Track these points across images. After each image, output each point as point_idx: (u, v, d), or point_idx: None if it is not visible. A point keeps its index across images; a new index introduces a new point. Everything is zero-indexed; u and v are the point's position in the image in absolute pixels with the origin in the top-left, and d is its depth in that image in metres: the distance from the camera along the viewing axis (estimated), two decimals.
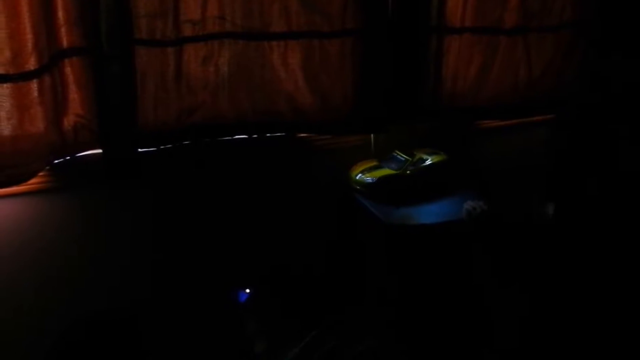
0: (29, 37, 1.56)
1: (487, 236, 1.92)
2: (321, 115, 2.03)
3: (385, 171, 2.09)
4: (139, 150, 1.86)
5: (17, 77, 1.58)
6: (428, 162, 2.12)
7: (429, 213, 2.00)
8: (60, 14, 1.63)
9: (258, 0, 1.85)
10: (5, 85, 1.56)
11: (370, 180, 2.06)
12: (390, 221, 1.94)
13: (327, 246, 2.08)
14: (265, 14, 1.87)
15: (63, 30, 1.65)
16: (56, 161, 1.77)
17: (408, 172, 2.09)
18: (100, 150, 1.82)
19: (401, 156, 2.14)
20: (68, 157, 1.80)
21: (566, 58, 2.29)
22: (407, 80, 2.11)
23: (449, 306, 1.99)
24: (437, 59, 2.14)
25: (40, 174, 1.75)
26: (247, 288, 1.92)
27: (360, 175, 2.09)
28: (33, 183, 1.74)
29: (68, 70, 1.69)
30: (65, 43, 1.66)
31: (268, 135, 2.02)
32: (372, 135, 2.19)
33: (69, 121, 1.74)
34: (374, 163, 2.13)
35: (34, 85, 1.61)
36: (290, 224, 2.11)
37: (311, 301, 1.79)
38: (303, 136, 2.13)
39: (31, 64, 1.58)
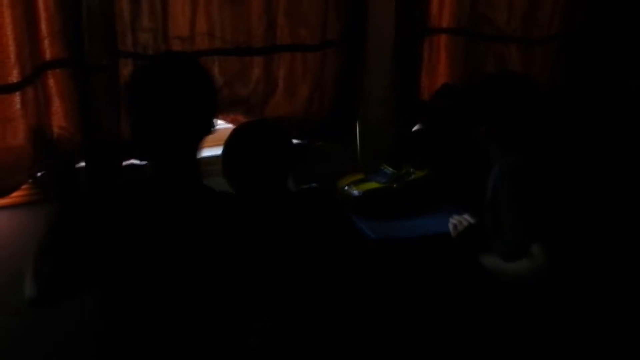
0: (11, 49, 1.56)
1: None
2: (303, 122, 2.06)
3: (372, 184, 2.08)
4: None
5: None
6: (415, 175, 2.12)
7: (415, 227, 2.00)
8: (44, 26, 1.63)
9: (246, 16, 1.86)
10: None
11: (356, 193, 2.05)
12: (376, 234, 1.93)
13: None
14: (253, 29, 1.88)
15: (46, 42, 1.65)
16: (39, 174, 1.76)
17: (395, 185, 2.09)
18: (83, 163, 1.80)
19: (388, 169, 2.13)
20: (51, 170, 1.78)
21: (554, 68, 2.32)
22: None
23: (433, 319, 1.99)
24: (426, 65, 2.18)
25: (23, 186, 1.73)
26: None
27: (346, 187, 2.08)
28: (15, 196, 1.73)
29: (51, 82, 1.68)
30: (48, 55, 1.66)
31: None
32: (358, 147, 2.17)
33: (52, 133, 1.73)
34: (361, 176, 2.13)
35: (16, 97, 1.61)
36: None
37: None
38: None
39: (14, 76, 1.58)
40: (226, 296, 1.45)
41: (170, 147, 1.32)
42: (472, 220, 1.92)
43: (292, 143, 1.75)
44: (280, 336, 1.68)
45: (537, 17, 2.22)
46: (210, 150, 1.91)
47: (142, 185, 1.37)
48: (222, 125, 1.96)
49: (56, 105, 1.71)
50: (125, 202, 1.33)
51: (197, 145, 1.36)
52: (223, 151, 1.69)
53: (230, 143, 1.68)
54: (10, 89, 1.58)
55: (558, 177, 1.77)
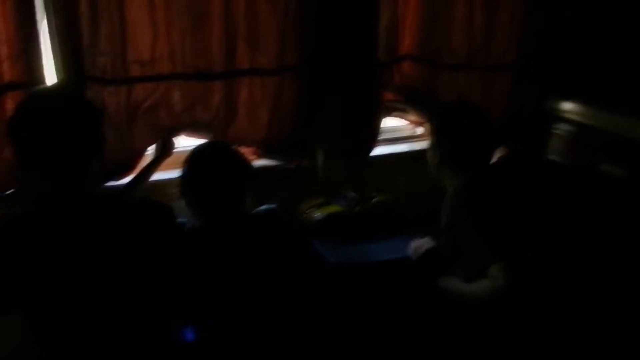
0: None
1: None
2: (265, 144, 2.09)
3: (334, 208, 2.10)
4: None
5: None
6: (376, 199, 2.15)
7: (376, 251, 2.02)
8: (3, 49, 1.64)
9: (206, 42, 1.88)
10: None
11: (317, 217, 2.07)
12: (336, 258, 1.94)
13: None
14: (214, 54, 1.91)
15: (5, 65, 1.66)
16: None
17: (356, 209, 2.11)
18: None
19: (350, 193, 2.16)
20: (12, 190, 1.78)
21: (509, 97, 2.38)
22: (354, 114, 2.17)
23: (397, 343, 1.99)
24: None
25: None
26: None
27: (308, 211, 2.10)
28: None
29: (9, 104, 1.69)
30: (7, 77, 1.67)
31: None
32: (319, 170, 2.20)
33: (12, 155, 1.72)
34: (322, 200, 2.15)
35: None
36: None
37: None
38: None
39: None
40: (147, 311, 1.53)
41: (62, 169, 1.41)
42: (431, 244, 1.95)
43: (246, 164, 1.77)
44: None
45: (493, 46, 2.29)
46: (170, 173, 1.95)
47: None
48: (182, 147, 2.00)
49: None
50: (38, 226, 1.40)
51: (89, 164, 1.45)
52: (180, 174, 1.71)
53: (185, 166, 1.70)
54: None
55: (511, 198, 1.81)
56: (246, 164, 1.78)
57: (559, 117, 2.33)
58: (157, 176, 1.96)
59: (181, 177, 1.70)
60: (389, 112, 2.28)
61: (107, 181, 1.86)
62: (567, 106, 2.31)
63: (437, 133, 1.93)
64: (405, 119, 2.33)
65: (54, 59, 1.74)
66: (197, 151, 1.74)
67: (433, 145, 1.93)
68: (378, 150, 2.30)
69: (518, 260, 1.68)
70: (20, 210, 1.47)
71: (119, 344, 1.49)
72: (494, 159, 1.97)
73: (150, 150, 1.97)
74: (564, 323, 1.79)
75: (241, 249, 1.69)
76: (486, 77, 2.32)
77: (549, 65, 2.32)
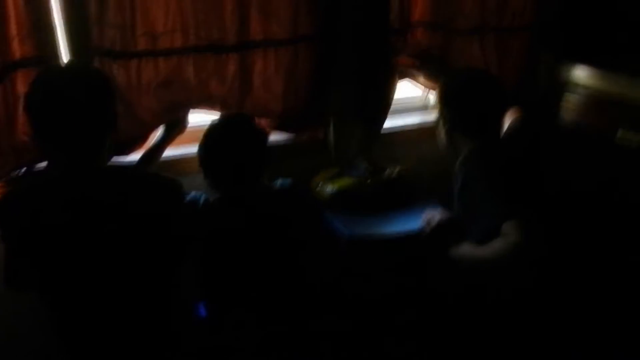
0: None
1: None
2: (280, 116, 2.07)
3: (346, 179, 2.09)
4: None
5: None
6: (389, 171, 2.13)
7: (389, 223, 2.01)
8: (13, 26, 1.61)
9: (219, 12, 1.85)
10: None
11: (330, 190, 2.06)
12: (350, 231, 1.95)
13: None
14: (227, 26, 1.88)
15: (16, 42, 1.63)
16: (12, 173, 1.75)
17: (369, 181, 2.10)
18: None
19: (362, 164, 2.15)
20: (24, 169, 1.77)
21: (525, 61, 2.35)
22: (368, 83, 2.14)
23: (409, 315, 2.01)
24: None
25: None
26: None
27: (321, 184, 2.09)
28: None
29: (20, 81, 1.66)
30: (18, 54, 1.64)
31: None
32: (333, 142, 2.18)
33: (23, 133, 1.71)
34: (335, 171, 2.14)
35: None
36: None
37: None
38: None
39: None
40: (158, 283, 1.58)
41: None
42: (444, 215, 1.94)
43: (266, 138, 1.77)
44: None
45: (509, 7, 2.26)
46: (183, 149, 1.95)
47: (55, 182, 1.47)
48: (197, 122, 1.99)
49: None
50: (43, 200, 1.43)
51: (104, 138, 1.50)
52: (198, 147, 1.71)
53: (204, 139, 1.70)
54: None
55: (523, 161, 1.84)
56: (264, 137, 1.78)
57: (575, 82, 2.30)
58: (170, 152, 1.96)
59: (200, 150, 1.71)
60: (402, 76, 2.26)
61: (116, 155, 1.85)
62: (584, 71, 2.27)
63: (446, 99, 1.93)
64: (417, 84, 2.31)
65: (65, 34, 1.71)
66: (215, 124, 1.74)
67: (442, 111, 1.93)
68: (391, 122, 2.28)
69: (531, 218, 1.69)
70: (35, 181, 1.50)
71: (130, 319, 1.53)
72: (507, 123, 1.98)
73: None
74: (574, 291, 1.80)
75: (257, 222, 1.71)
76: (501, 40, 2.29)
77: (566, 28, 2.28)
